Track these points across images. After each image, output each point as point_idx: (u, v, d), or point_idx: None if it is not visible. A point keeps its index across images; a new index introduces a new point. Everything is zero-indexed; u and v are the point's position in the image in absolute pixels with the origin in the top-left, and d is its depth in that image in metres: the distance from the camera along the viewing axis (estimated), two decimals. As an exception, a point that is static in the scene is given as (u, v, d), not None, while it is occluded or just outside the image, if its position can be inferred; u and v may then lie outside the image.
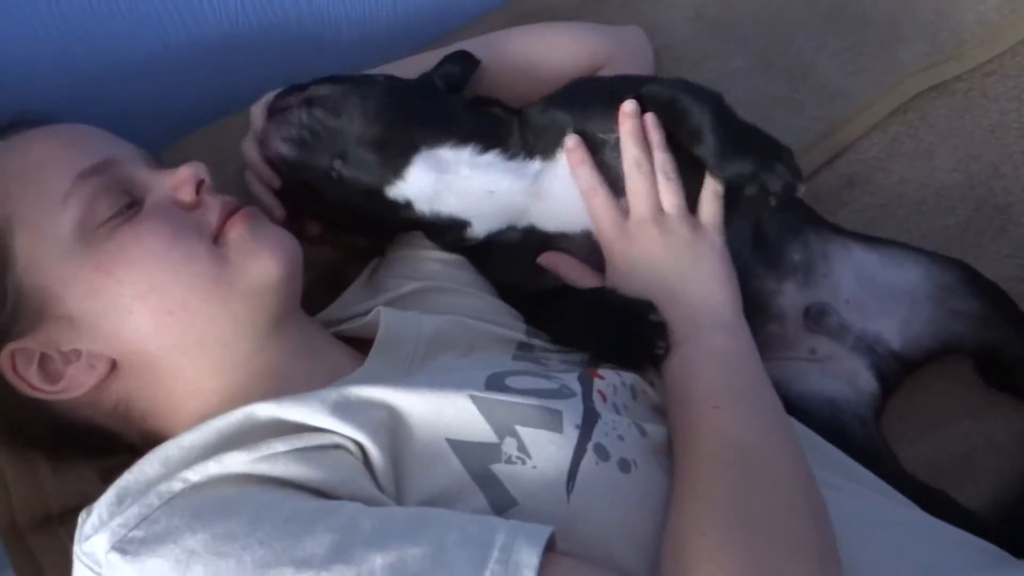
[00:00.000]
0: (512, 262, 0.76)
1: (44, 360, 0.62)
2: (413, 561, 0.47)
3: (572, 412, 0.59)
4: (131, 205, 0.63)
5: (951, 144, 0.97)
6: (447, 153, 0.73)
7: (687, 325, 0.67)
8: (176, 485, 0.53)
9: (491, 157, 0.73)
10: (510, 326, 0.73)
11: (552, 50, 0.87)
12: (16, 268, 0.60)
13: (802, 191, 0.71)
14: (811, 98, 0.98)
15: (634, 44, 0.94)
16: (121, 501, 0.53)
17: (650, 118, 0.73)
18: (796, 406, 0.75)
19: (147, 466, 0.55)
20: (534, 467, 0.56)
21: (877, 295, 0.81)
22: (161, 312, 0.61)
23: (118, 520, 0.51)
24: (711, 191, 0.73)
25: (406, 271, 0.78)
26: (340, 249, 0.85)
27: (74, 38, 0.80)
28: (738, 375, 0.64)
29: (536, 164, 0.74)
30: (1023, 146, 0.95)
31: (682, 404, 0.62)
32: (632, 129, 0.72)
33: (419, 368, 0.66)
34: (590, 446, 0.57)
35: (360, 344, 0.69)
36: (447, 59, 0.81)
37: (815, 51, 1.01)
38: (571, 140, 0.73)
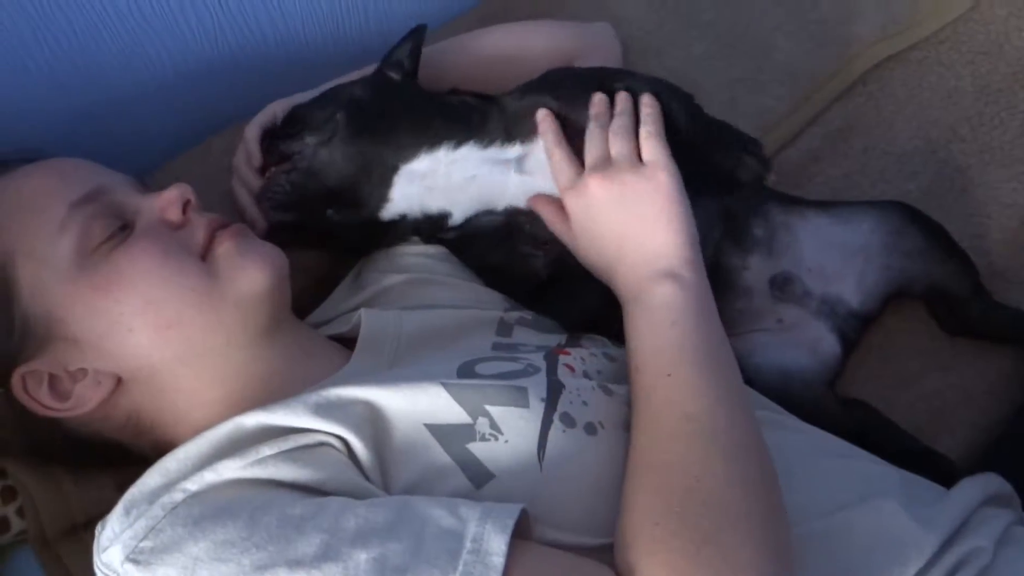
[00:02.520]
0: (496, 246, 0.78)
1: (53, 380, 0.64)
2: (394, 555, 0.51)
3: (537, 387, 0.62)
4: (123, 228, 0.66)
5: (910, 112, 1.00)
6: (423, 161, 0.76)
7: (633, 282, 0.67)
8: (177, 496, 0.56)
9: (465, 150, 0.76)
10: (488, 306, 0.76)
11: (524, 45, 0.89)
12: (21, 297, 0.63)
13: (771, 180, 0.74)
14: (774, 77, 1.01)
15: (603, 39, 0.96)
16: (128, 513, 0.56)
17: (621, 96, 0.75)
18: (752, 379, 0.78)
19: (149, 479, 0.58)
20: (506, 442, 0.59)
21: (835, 257, 0.84)
22: (159, 327, 0.64)
23: (128, 532, 0.55)
24: (643, 132, 0.72)
25: (388, 266, 0.81)
26: (331, 252, 0.88)
27: (63, 71, 0.83)
28: (690, 332, 0.63)
29: (516, 148, 0.76)
30: (979, 109, 0.99)
31: (637, 371, 0.63)
32: (599, 111, 0.75)
33: (401, 363, 0.69)
34: (556, 416, 0.61)
35: (350, 342, 0.72)
36: (395, 46, 0.83)
37: (774, 31, 1.04)
38: (542, 112, 0.75)
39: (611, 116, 0.74)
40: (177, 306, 0.65)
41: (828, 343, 0.83)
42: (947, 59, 1.02)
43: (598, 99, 0.75)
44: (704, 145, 0.75)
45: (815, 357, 0.83)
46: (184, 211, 0.69)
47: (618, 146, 0.71)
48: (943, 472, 0.75)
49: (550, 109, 0.75)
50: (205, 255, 0.68)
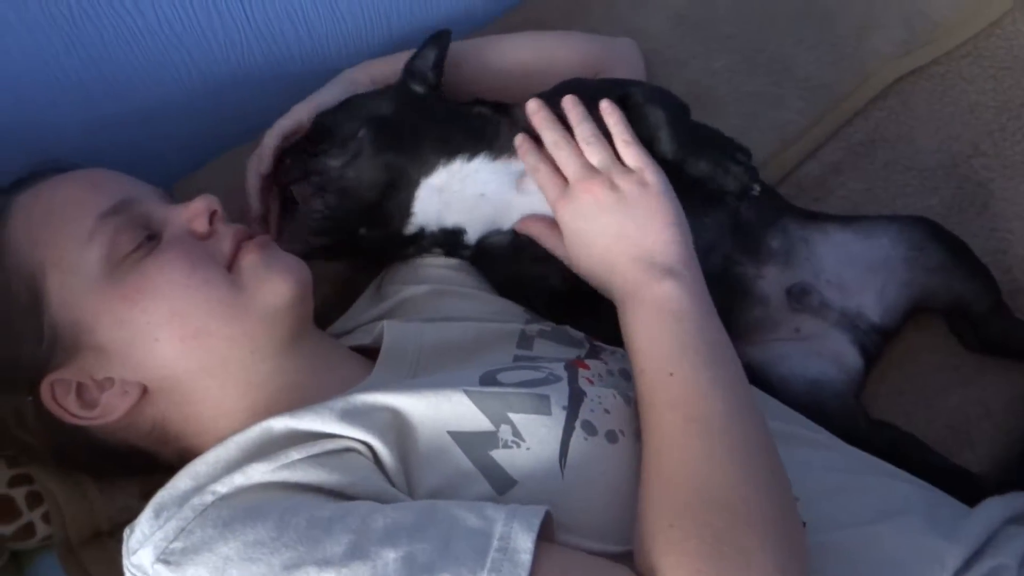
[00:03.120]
0: (508, 263, 0.79)
1: (81, 389, 0.65)
2: (422, 554, 0.51)
3: (559, 395, 0.63)
4: (150, 238, 0.67)
5: (931, 126, 1.00)
6: (441, 175, 0.77)
7: (631, 281, 0.67)
8: (207, 498, 0.57)
9: (478, 163, 0.77)
10: (509, 319, 0.77)
11: (547, 56, 0.90)
12: (51, 306, 0.64)
13: (756, 190, 0.74)
14: (793, 91, 1.02)
15: (628, 53, 0.97)
16: (159, 515, 0.57)
17: (568, 104, 0.75)
18: (777, 388, 0.79)
19: (179, 482, 0.59)
20: (528, 449, 0.60)
21: (856, 271, 0.84)
22: (184, 337, 0.65)
23: (159, 534, 0.56)
24: (619, 141, 0.72)
25: (409, 277, 0.82)
26: (353, 263, 0.89)
27: (94, 84, 0.85)
28: (691, 329, 0.64)
29: (519, 163, 0.77)
30: (1001, 123, 0.99)
31: (641, 374, 0.63)
32: (541, 120, 0.75)
33: (423, 374, 0.70)
34: (578, 423, 0.61)
35: (371, 353, 0.73)
36: (418, 54, 0.84)
37: (794, 45, 1.04)
38: (519, 138, 0.75)
39: (560, 129, 0.74)
40: (203, 317, 0.65)
41: (851, 356, 0.83)
42: (969, 74, 1.03)
43: (543, 126, 0.74)
44: (690, 154, 0.75)
45: (840, 369, 0.82)
46: (211, 221, 0.69)
47: (597, 153, 0.72)
48: (971, 490, 0.74)
49: (558, 117, 0.75)
50: (231, 266, 0.68)
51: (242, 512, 0.56)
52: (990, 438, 0.85)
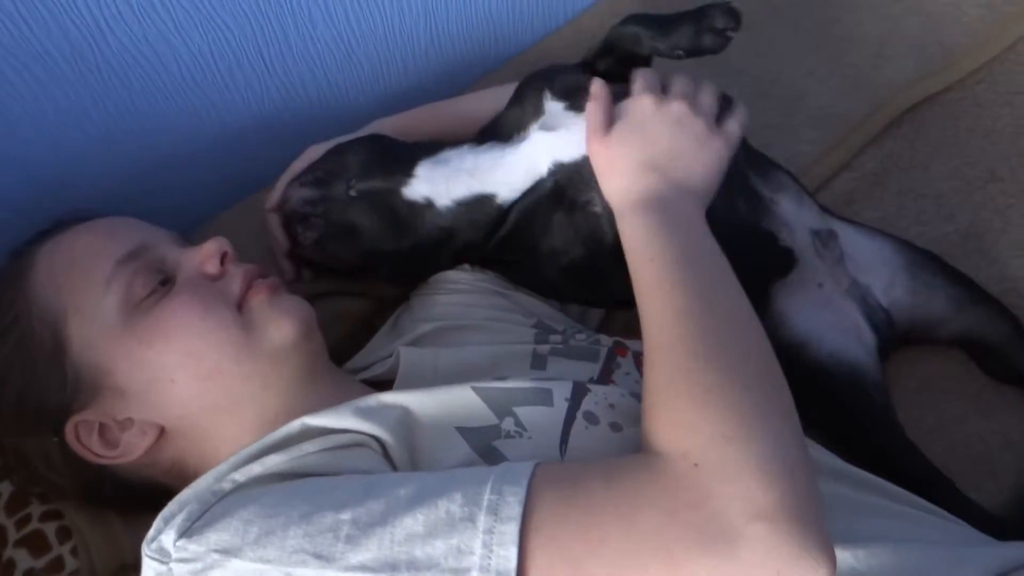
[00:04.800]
0: (552, 218, 0.78)
1: (103, 429, 0.68)
2: (430, 486, 0.55)
3: (561, 389, 0.66)
4: (165, 282, 0.70)
5: (946, 153, 1.00)
6: (446, 153, 0.80)
7: (663, 190, 0.68)
8: (226, 485, 0.60)
9: (488, 145, 0.79)
10: (520, 341, 0.78)
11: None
12: (72, 351, 0.67)
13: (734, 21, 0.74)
14: (806, 122, 1.02)
15: None
16: (181, 507, 0.59)
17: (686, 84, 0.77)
18: (825, 365, 0.79)
19: (200, 480, 0.62)
20: (530, 438, 0.63)
21: (863, 255, 0.85)
22: (200, 377, 0.68)
23: (181, 517, 0.58)
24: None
25: (423, 314, 0.84)
26: (372, 301, 0.92)
27: (122, 135, 0.89)
28: (707, 239, 0.66)
29: (533, 124, 0.77)
30: (1018, 149, 0.98)
31: (651, 261, 0.64)
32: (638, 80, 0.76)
33: None
34: (579, 413, 0.64)
35: (386, 386, 0.74)
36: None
37: (806, 76, 1.05)
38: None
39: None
40: (216, 357, 0.68)
41: (867, 335, 0.83)
42: (984, 99, 1.02)
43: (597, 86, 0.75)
44: (666, 26, 0.76)
45: (865, 350, 0.82)
46: (222, 262, 0.72)
47: (705, 95, 0.75)
48: (993, 531, 0.73)
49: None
50: (241, 306, 0.71)
51: (259, 493, 0.59)
52: (1013, 468, 0.83)
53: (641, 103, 0.72)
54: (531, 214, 0.78)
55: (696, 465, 0.52)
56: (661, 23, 0.76)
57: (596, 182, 0.73)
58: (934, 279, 0.85)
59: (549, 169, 0.77)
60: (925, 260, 0.86)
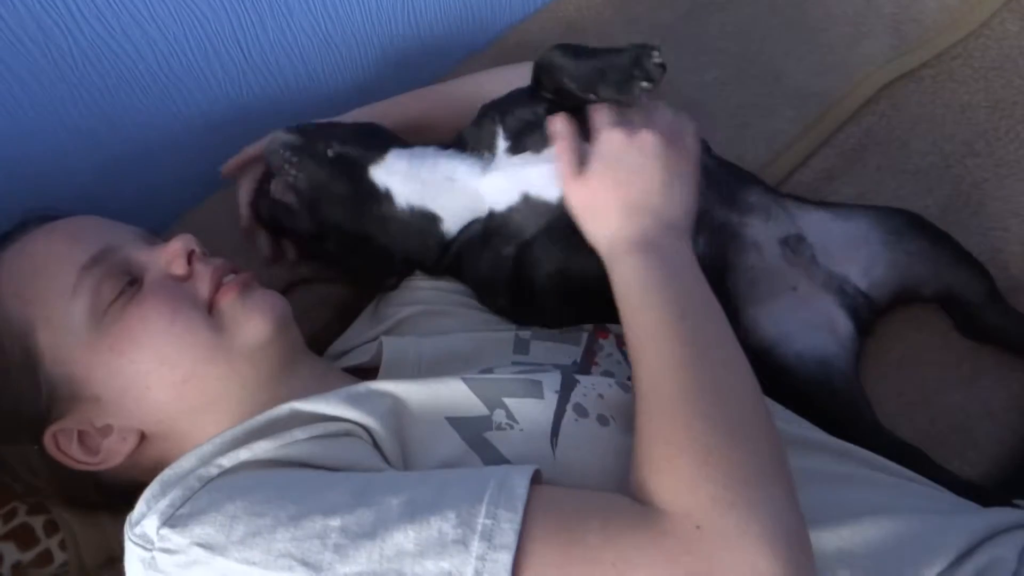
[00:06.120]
0: (480, 258, 0.80)
1: (83, 436, 0.67)
2: (422, 498, 0.54)
3: (551, 380, 0.66)
4: (132, 283, 0.68)
5: (924, 129, 1.00)
6: (416, 148, 0.81)
7: (653, 230, 0.67)
8: (212, 471, 0.59)
9: (452, 151, 0.80)
10: (501, 327, 0.79)
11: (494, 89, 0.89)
12: (44, 362, 0.66)
13: (657, 60, 0.71)
14: (785, 101, 1.03)
15: None
16: (164, 490, 0.58)
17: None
18: (791, 365, 0.80)
19: (184, 461, 0.60)
20: (521, 430, 0.62)
21: (838, 243, 0.85)
22: (175, 383, 0.66)
23: (164, 502, 0.57)
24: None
25: (402, 299, 0.85)
26: (352, 287, 0.92)
27: (99, 127, 0.88)
28: (700, 282, 0.65)
29: (487, 154, 0.79)
30: (994, 123, 0.99)
31: (647, 310, 0.63)
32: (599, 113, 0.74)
33: None
34: (569, 406, 0.63)
35: (369, 374, 0.74)
36: None
37: (784, 56, 1.05)
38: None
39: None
40: (189, 362, 0.67)
41: (842, 323, 0.84)
42: (960, 75, 1.03)
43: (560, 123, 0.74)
44: (594, 87, 0.73)
45: (837, 341, 0.83)
46: (189, 261, 0.71)
47: (661, 116, 0.73)
48: (974, 498, 0.74)
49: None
50: (211, 307, 0.70)
51: (246, 481, 0.58)
52: (994, 437, 0.84)
53: (611, 139, 0.70)
54: (468, 250, 0.80)
55: (699, 528, 0.52)
56: (587, 61, 0.74)
57: (519, 234, 0.76)
58: (912, 244, 0.86)
59: (483, 216, 0.79)
60: (904, 225, 0.87)
